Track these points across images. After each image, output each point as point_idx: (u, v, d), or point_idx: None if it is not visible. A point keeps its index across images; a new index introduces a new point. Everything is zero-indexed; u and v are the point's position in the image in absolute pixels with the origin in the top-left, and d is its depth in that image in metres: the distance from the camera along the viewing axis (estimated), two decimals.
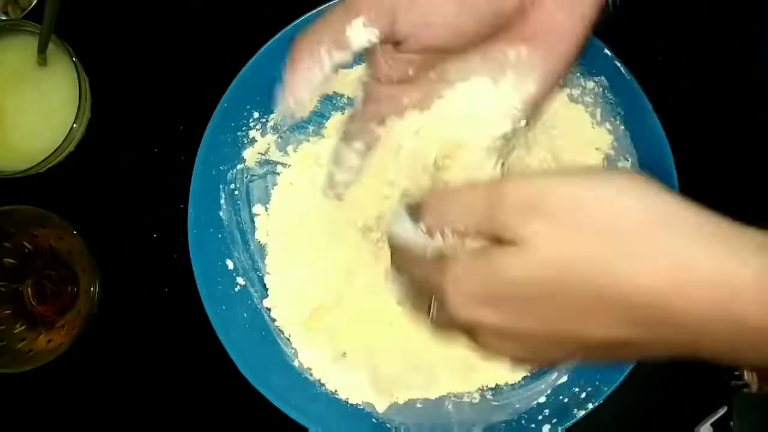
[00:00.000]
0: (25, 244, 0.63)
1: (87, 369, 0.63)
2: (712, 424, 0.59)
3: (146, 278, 0.64)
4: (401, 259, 0.40)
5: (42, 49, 0.60)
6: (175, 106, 0.64)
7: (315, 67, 0.43)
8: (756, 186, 0.60)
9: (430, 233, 0.37)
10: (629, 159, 0.57)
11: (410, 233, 0.38)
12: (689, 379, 0.58)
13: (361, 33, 0.42)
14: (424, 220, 0.38)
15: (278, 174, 0.61)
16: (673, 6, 0.61)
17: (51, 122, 0.61)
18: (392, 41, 0.43)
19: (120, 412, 0.63)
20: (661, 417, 0.60)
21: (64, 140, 0.59)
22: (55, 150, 0.58)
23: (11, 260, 0.63)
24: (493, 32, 0.43)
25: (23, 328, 0.62)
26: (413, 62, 0.44)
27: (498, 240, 0.34)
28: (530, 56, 0.43)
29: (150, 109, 0.65)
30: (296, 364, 0.58)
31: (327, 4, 0.56)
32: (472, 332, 0.37)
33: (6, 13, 0.64)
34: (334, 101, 0.61)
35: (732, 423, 0.58)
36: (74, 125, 0.59)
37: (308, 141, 0.61)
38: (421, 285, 0.39)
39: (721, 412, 0.59)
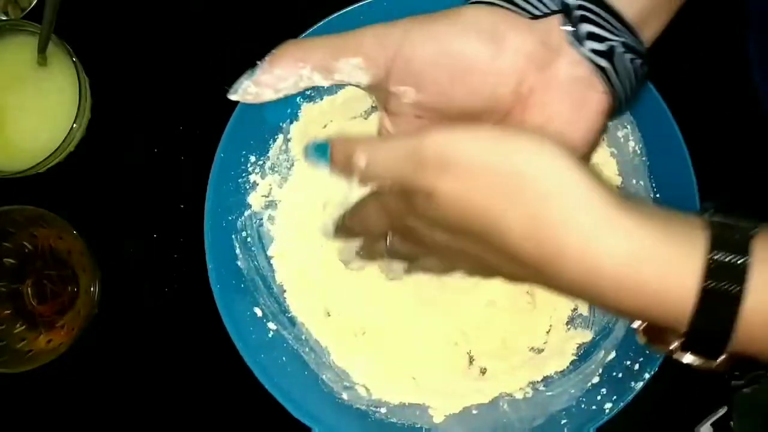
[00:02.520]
0: (25, 244, 0.63)
1: (87, 369, 0.63)
2: (712, 424, 0.59)
3: (146, 278, 0.64)
4: (354, 220, 0.45)
5: (42, 49, 0.60)
6: (175, 106, 0.64)
7: (290, 79, 0.45)
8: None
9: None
10: (628, 127, 0.57)
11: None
12: (689, 379, 0.58)
13: (351, 72, 0.43)
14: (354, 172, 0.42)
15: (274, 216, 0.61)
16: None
17: (51, 122, 0.61)
18: (379, 91, 0.44)
19: (120, 412, 0.63)
20: (661, 417, 0.60)
21: (64, 140, 0.59)
22: (55, 150, 0.58)
23: (11, 260, 0.63)
24: (489, 110, 0.43)
25: (23, 328, 0.62)
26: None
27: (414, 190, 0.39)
28: None
29: (150, 109, 0.65)
30: (345, 397, 0.58)
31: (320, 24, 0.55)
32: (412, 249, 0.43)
33: (6, 13, 0.64)
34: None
35: (732, 423, 0.58)
36: (74, 125, 0.59)
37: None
38: (373, 231, 0.45)
39: (721, 412, 0.59)
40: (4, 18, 0.63)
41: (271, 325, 0.59)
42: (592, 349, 0.58)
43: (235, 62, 0.63)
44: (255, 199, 0.60)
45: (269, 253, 0.60)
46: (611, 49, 0.41)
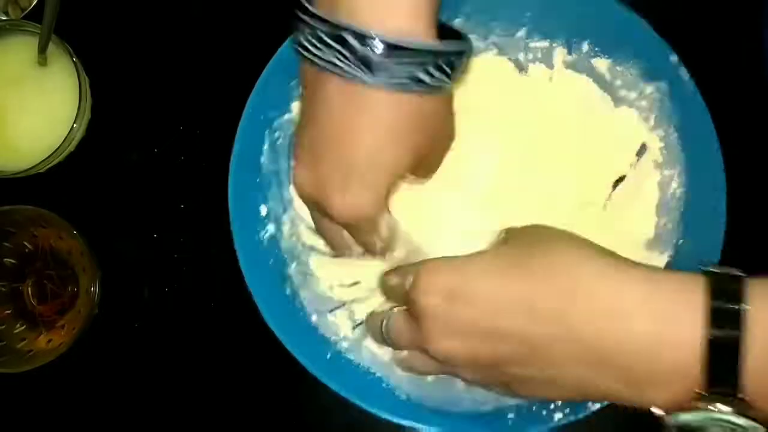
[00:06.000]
0: (25, 244, 0.63)
1: (87, 369, 0.63)
2: None
3: (146, 278, 0.64)
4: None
5: (42, 49, 0.60)
6: (175, 106, 0.64)
7: None
8: None
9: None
10: (677, 167, 0.56)
11: None
12: None
13: None
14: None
15: None
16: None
17: (51, 122, 0.61)
18: None
19: (120, 412, 0.63)
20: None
21: (64, 140, 0.59)
22: (55, 150, 0.58)
23: (11, 260, 0.63)
24: None
25: (23, 328, 0.62)
26: None
27: None
28: None
29: (150, 109, 0.65)
30: (314, 319, 0.58)
31: None
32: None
33: (6, 13, 0.64)
34: None
35: None
36: (74, 125, 0.59)
37: None
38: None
39: None
40: (4, 18, 0.63)
41: (271, 227, 0.58)
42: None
43: (235, 62, 0.64)
44: (299, 108, 0.59)
45: (292, 163, 0.59)
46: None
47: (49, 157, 0.58)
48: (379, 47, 0.39)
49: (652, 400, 0.40)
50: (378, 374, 0.57)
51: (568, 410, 0.54)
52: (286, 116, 0.59)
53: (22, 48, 0.61)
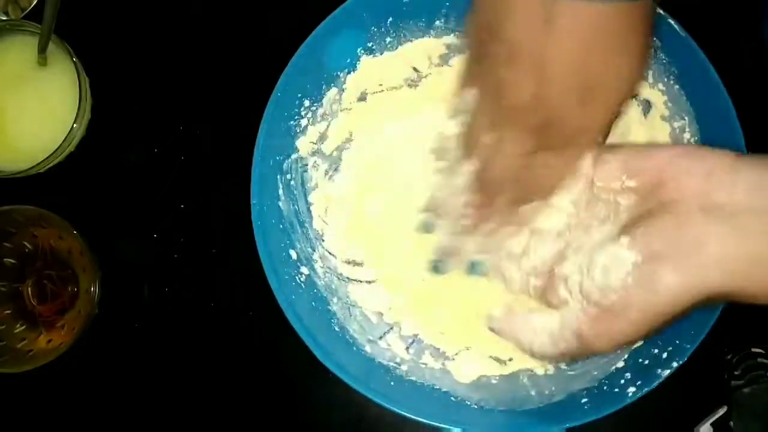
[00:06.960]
0: (25, 244, 0.63)
1: (87, 369, 0.63)
2: (712, 424, 0.59)
3: (146, 278, 0.64)
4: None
5: (42, 49, 0.60)
6: (175, 106, 0.64)
7: None
8: None
9: None
10: (686, 118, 0.56)
11: None
12: (689, 379, 0.58)
13: None
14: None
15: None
16: None
17: (51, 122, 0.61)
18: None
19: (120, 412, 0.63)
20: (661, 417, 0.60)
21: (64, 140, 0.59)
22: (55, 150, 0.58)
23: (11, 260, 0.63)
24: None
25: (23, 328, 0.62)
26: None
27: None
28: None
29: (150, 109, 0.65)
30: (368, 350, 0.58)
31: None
32: None
33: (6, 13, 0.64)
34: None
35: (732, 423, 0.58)
36: (74, 125, 0.59)
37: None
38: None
39: (721, 412, 0.59)
40: (4, 18, 0.63)
41: (304, 270, 0.58)
42: None
43: (235, 62, 0.64)
44: (303, 144, 0.59)
45: (309, 199, 0.60)
46: None
47: (49, 157, 0.58)
48: None
49: None
50: (444, 389, 0.57)
51: (640, 382, 0.53)
52: (293, 156, 0.59)
53: (22, 48, 0.61)
